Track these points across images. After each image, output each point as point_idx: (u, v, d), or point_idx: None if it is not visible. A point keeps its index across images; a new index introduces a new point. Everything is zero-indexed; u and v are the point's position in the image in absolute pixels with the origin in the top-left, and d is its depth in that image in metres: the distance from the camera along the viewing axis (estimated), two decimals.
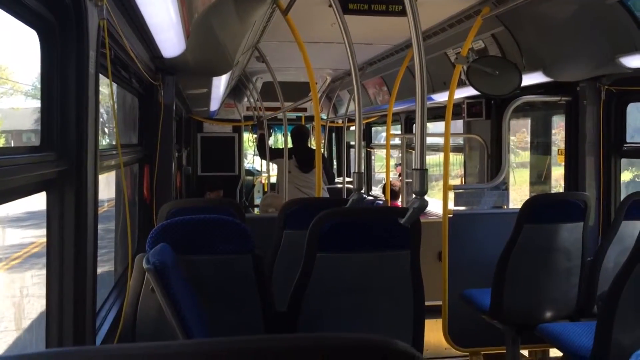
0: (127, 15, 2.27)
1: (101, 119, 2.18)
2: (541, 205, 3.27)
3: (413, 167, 2.25)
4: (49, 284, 1.58)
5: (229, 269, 2.18)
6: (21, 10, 1.45)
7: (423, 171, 2.22)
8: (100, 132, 1.85)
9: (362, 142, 3.80)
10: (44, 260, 1.61)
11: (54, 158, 1.55)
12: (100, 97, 1.85)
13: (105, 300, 2.56)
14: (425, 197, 2.28)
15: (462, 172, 6.03)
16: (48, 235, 1.59)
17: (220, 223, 2.16)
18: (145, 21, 2.32)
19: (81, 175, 1.60)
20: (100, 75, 1.90)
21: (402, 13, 3.82)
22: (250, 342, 0.49)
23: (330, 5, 3.71)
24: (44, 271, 1.61)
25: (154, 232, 2.12)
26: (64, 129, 1.58)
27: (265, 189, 8.25)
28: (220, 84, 4.87)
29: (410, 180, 7.62)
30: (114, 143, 3.17)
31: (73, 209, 1.57)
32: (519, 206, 3.35)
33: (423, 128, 2.25)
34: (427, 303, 2.41)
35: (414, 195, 2.27)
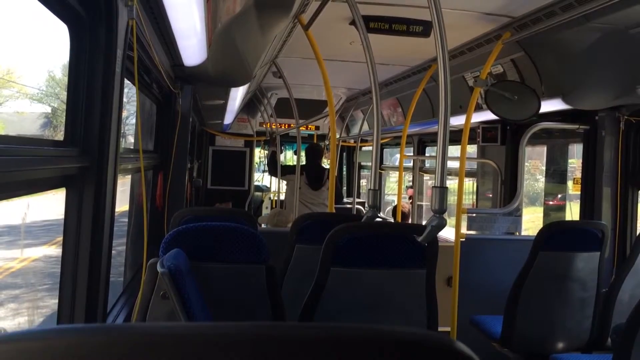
0: (154, 19, 2.27)
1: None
2: (558, 233, 3.21)
3: (433, 185, 2.22)
4: (63, 280, 1.55)
5: (242, 278, 2.15)
6: (54, 2, 1.45)
7: (443, 189, 2.19)
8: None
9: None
10: None
11: (76, 154, 1.54)
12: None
13: (114, 305, 2.52)
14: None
15: (475, 200, 5.98)
16: (65, 232, 1.56)
17: (237, 232, 2.13)
18: (171, 26, 2.32)
19: (102, 173, 1.59)
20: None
21: (423, 34, 3.82)
22: (295, 329, 0.45)
23: (351, 23, 3.72)
24: None
25: (168, 237, 2.09)
26: (88, 125, 1.57)
27: (274, 205, 8.23)
28: (237, 96, 4.87)
29: (422, 203, 7.60)
30: (131, 147, 3.17)
31: (91, 207, 1.55)
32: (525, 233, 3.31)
33: (445, 146, 2.22)
34: None
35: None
